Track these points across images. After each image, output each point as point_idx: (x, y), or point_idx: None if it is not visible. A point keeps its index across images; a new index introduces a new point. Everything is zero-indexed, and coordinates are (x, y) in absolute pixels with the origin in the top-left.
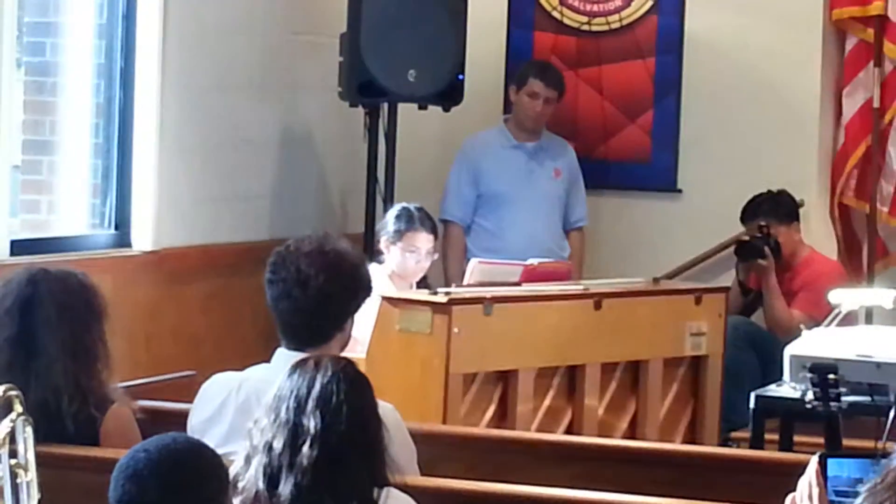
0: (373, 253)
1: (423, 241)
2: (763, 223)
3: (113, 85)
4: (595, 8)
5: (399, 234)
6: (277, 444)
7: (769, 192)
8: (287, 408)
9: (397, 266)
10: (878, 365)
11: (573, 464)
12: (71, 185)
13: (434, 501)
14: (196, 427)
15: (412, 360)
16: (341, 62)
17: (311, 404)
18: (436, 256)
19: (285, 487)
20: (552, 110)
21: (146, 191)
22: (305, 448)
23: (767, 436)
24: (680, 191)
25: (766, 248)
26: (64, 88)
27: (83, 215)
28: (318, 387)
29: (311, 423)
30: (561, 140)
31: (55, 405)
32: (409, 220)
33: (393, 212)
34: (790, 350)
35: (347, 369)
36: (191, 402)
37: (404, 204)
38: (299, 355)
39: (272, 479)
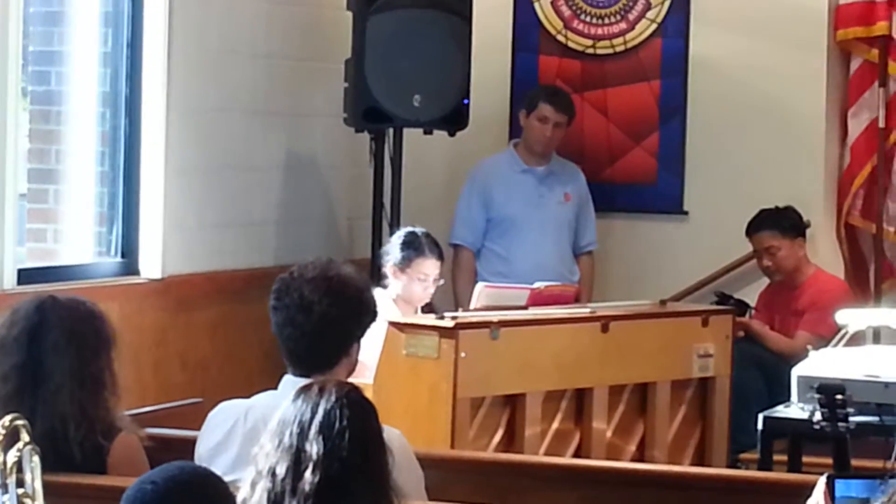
0: (379, 278)
1: (432, 267)
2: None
3: (118, 113)
4: (600, 31)
5: (407, 262)
6: (280, 470)
7: (776, 207)
8: (290, 433)
9: (404, 292)
10: (886, 385)
11: (582, 487)
12: (77, 214)
13: None
14: (203, 455)
15: (419, 384)
16: (346, 88)
17: (313, 429)
18: (441, 282)
19: None
20: (562, 135)
21: (152, 218)
22: (308, 474)
23: (776, 457)
24: (686, 213)
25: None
26: (69, 117)
27: (89, 243)
28: (321, 412)
29: (314, 448)
30: (571, 164)
31: (62, 433)
32: (417, 248)
33: (399, 238)
34: (798, 371)
35: (351, 395)
36: (198, 429)
37: (410, 229)
38: (306, 381)
39: None
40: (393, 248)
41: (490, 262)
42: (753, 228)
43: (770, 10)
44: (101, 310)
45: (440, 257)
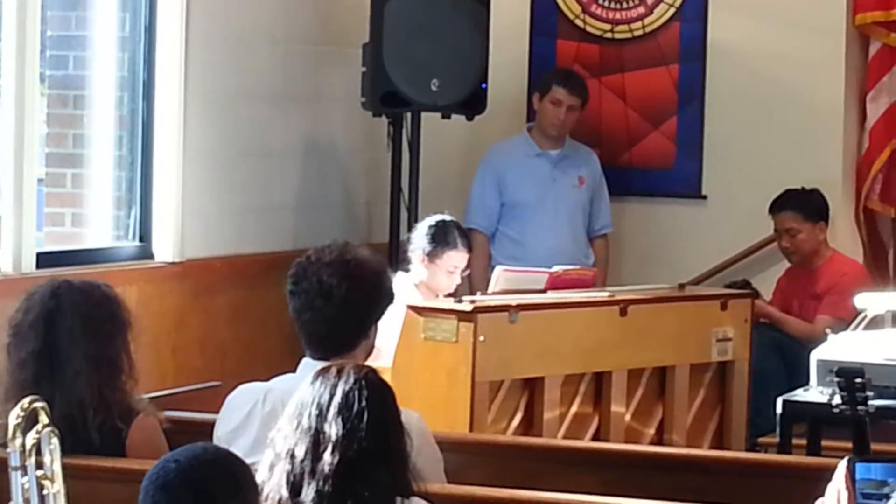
0: (397, 262)
1: (461, 260)
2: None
3: (136, 97)
4: (618, 16)
5: (437, 253)
6: (299, 451)
7: (802, 188)
8: (309, 415)
9: (429, 281)
10: None
11: (600, 470)
12: (95, 198)
13: None
14: (222, 437)
15: (438, 368)
16: (364, 72)
17: (332, 411)
18: (468, 272)
19: (307, 494)
20: (576, 118)
21: (170, 202)
22: (327, 455)
23: (795, 440)
24: (704, 197)
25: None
26: (87, 101)
27: (107, 227)
28: (339, 394)
29: (333, 429)
30: (585, 148)
31: (80, 418)
32: (449, 240)
33: (429, 226)
34: (817, 354)
35: (369, 377)
36: (216, 412)
37: (440, 217)
38: (324, 364)
39: (295, 486)
40: (423, 236)
41: (504, 246)
42: (777, 207)
43: None
44: (117, 293)
45: (469, 248)
